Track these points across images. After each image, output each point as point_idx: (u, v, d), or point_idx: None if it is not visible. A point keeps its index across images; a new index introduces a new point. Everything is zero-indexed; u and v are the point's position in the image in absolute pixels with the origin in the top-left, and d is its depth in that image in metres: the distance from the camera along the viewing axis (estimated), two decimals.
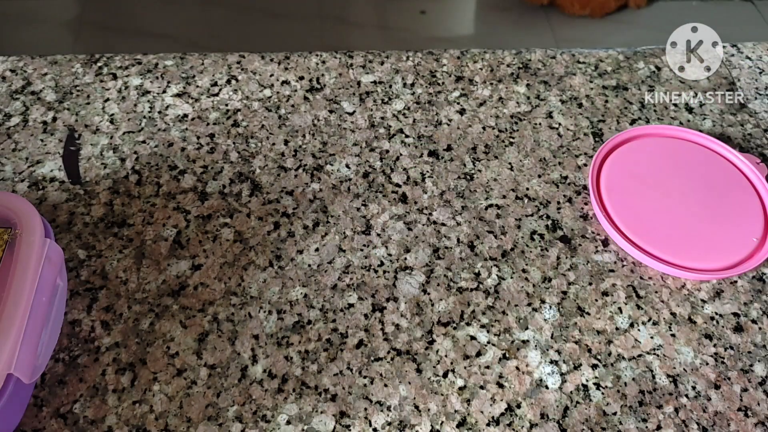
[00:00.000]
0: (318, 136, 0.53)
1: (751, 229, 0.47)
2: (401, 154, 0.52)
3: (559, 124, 0.55)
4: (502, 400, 0.40)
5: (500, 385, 0.40)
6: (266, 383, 0.40)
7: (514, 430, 0.39)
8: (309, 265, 0.45)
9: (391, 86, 0.57)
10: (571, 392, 0.40)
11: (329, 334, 0.42)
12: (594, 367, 0.41)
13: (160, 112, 0.54)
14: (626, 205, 0.48)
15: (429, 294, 0.44)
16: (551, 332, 0.43)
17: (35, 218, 0.39)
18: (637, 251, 0.46)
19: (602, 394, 0.40)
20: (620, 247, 0.47)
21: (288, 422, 0.39)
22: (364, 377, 0.40)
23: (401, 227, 0.48)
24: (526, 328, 0.43)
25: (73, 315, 0.42)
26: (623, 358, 0.42)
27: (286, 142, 0.52)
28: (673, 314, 0.44)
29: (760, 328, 0.43)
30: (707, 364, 0.42)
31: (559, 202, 0.50)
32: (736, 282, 0.46)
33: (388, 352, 0.42)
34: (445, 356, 0.41)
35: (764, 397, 0.41)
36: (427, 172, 0.51)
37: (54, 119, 0.53)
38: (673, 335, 0.43)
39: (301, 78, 0.57)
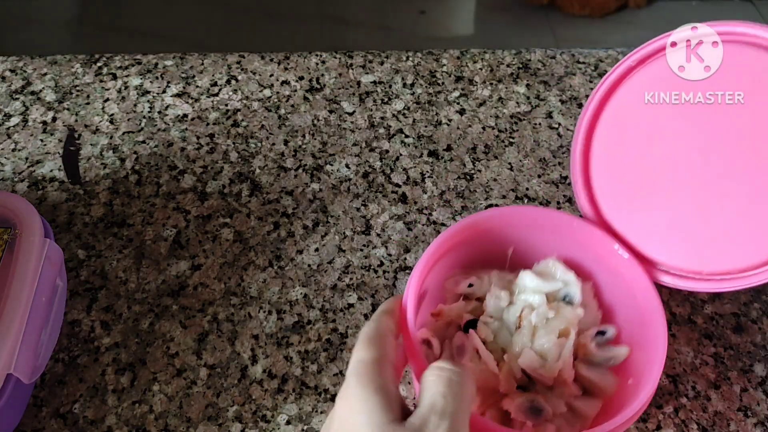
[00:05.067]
0: (318, 136, 0.53)
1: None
2: (401, 154, 0.52)
3: (559, 124, 0.55)
4: None
5: None
6: (266, 383, 0.40)
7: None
8: (309, 265, 0.45)
9: (391, 86, 0.57)
10: None
11: (329, 334, 0.42)
12: None
13: (159, 112, 0.54)
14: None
15: None
16: None
17: (35, 218, 0.39)
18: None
19: None
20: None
21: (288, 422, 0.39)
22: None
23: (401, 227, 0.48)
24: None
25: (73, 315, 0.42)
26: None
27: (286, 142, 0.52)
28: (673, 314, 0.44)
29: (759, 328, 0.43)
30: (707, 364, 0.42)
31: (559, 202, 0.50)
32: None
33: None
34: None
35: (764, 397, 0.41)
36: (427, 172, 0.51)
37: (54, 119, 0.53)
38: (673, 335, 0.43)
39: (301, 78, 0.57)
